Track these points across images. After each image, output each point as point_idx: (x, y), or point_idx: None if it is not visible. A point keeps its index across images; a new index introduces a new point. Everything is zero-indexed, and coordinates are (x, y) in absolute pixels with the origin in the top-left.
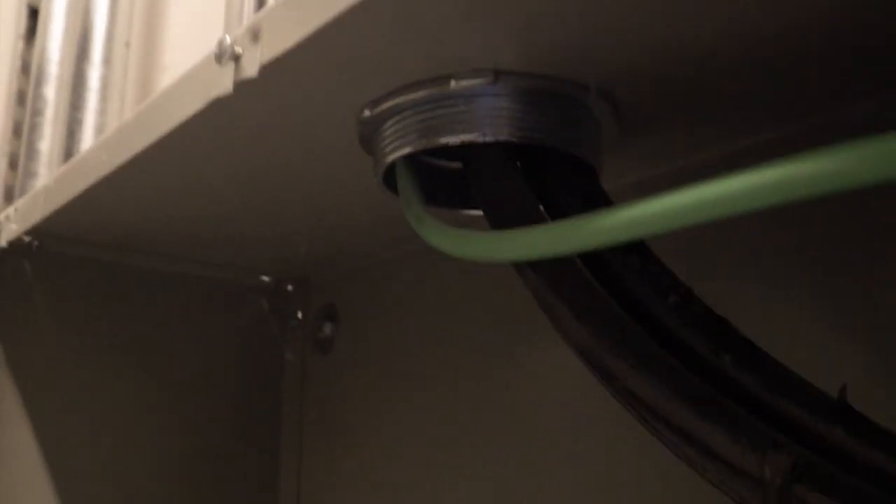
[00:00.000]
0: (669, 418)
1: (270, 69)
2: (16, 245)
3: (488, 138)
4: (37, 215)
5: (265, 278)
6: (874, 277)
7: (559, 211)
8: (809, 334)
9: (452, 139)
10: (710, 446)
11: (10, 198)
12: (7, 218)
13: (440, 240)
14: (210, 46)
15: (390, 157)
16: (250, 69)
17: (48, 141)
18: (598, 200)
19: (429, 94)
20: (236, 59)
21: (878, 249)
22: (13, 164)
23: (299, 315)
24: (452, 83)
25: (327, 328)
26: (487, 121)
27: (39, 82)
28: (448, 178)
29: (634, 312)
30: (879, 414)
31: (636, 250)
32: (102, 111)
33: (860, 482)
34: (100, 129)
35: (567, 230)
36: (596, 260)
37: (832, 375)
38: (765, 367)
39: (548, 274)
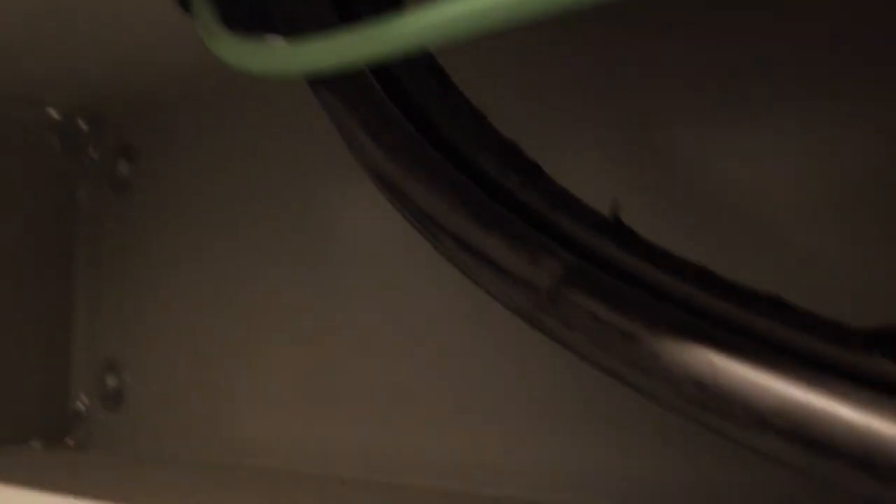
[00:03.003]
0: (453, 230)
1: None
2: None
3: None
4: None
5: (54, 113)
6: (658, 111)
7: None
8: (593, 159)
9: None
10: (488, 255)
11: None
12: None
13: (231, 53)
14: None
15: None
16: None
17: None
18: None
19: None
20: None
21: (659, 83)
22: None
23: (93, 154)
24: None
25: (123, 168)
26: None
27: None
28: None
29: (428, 133)
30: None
31: (433, 73)
32: None
33: (624, 285)
34: None
35: (358, 37)
36: (392, 81)
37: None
38: (548, 188)
39: (341, 91)
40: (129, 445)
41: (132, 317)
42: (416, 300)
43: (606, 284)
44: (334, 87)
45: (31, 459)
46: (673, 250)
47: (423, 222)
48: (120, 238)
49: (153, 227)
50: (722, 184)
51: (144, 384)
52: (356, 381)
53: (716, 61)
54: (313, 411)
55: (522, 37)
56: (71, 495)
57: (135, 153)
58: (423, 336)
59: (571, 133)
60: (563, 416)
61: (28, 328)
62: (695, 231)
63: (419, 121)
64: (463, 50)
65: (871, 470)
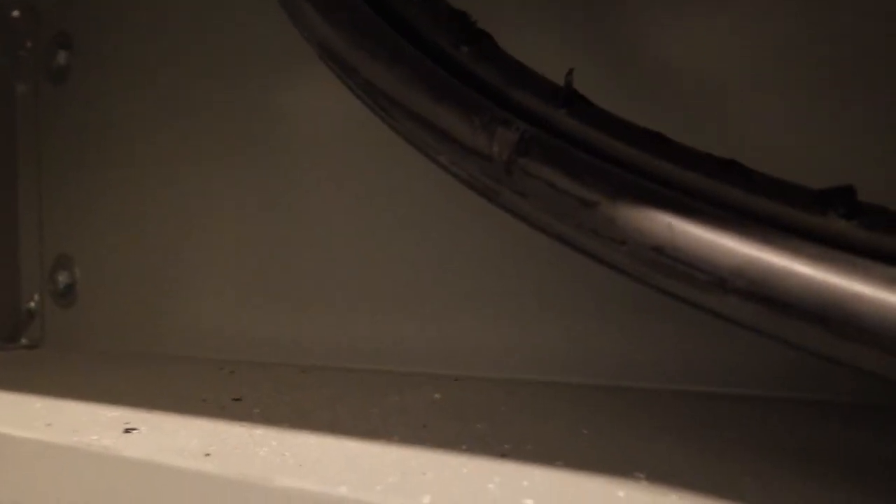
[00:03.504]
0: (406, 104)
1: None
2: None
3: None
4: None
5: None
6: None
7: None
8: (548, 38)
9: None
10: (443, 128)
11: None
12: None
13: None
14: None
15: None
16: None
17: None
18: None
19: None
20: None
21: None
22: None
23: (28, 44)
24: None
25: (61, 57)
26: None
27: None
28: None
29: (376, 6)
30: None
31: None
32: None
33: (580, 153)
34: None
35: None
36: None
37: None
38: (500, 59)
39: None
40: (84, 341)
41: (80, 211)
42: (371, 186)
43: (562, 153)
44: None
45: None
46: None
47: (375, 98)
48: (62, 130)
49: (96, 117)
50: (676, 57)
51: (96, 279)
52: (313, 270)
53: None
54: (271, 301)
55: None
56: (28, 393)
57: (72, 41)
58: (379, 222)
59: (528, 6)
60: (539, 296)
61: None
62: (651, 103)
63: None
64: None
65: (826, 323)
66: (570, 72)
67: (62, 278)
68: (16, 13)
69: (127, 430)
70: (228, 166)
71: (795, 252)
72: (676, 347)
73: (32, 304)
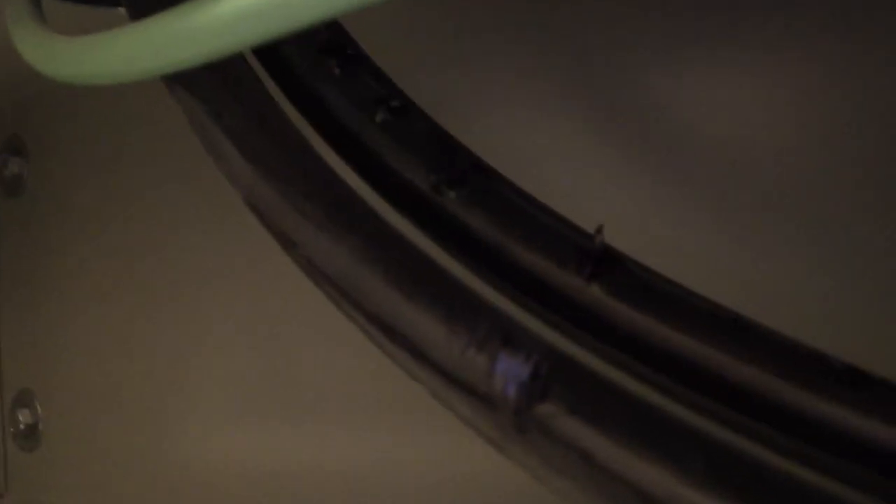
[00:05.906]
0: (364, 300)
1: None
2: None
3: None
4: None
5: None
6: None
7: None
8: (570, 155)
9: None
10: (417, 341)
11: None
12: None
13: (29, 49)
14: None
15: None
16: None
17: None
18: None
19: None
20: None
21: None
22: None
23: None
24: None
25: (14, 165)
26: None
27: None
28: None
29: (332, 137)
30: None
31: (333, 51)
32: None
33: (613, 392)
34: None
35: (186, 24)
36: (280, 66)
37: (596, 210)
38: (503, 205)
39: (205, 91)
40: (52, 487)
41: (40, 339)
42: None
43: (599, 389)
44: (191, 81)
45: None
46: None
47: (319, 279)
48: (16, 246)
49: (54, 233)
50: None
51: (62, 417)
52: (317, 383)
53: None
54: (268, 425)
55: None
56: None
57: (26, 147)
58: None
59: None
60: None
61: None
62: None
63: (317, 120)
64: None
65: None
66: (600, 228)
67: (24, 417)
68: None
69: None
70: (208, 273)
71: None
72: None
73: None
